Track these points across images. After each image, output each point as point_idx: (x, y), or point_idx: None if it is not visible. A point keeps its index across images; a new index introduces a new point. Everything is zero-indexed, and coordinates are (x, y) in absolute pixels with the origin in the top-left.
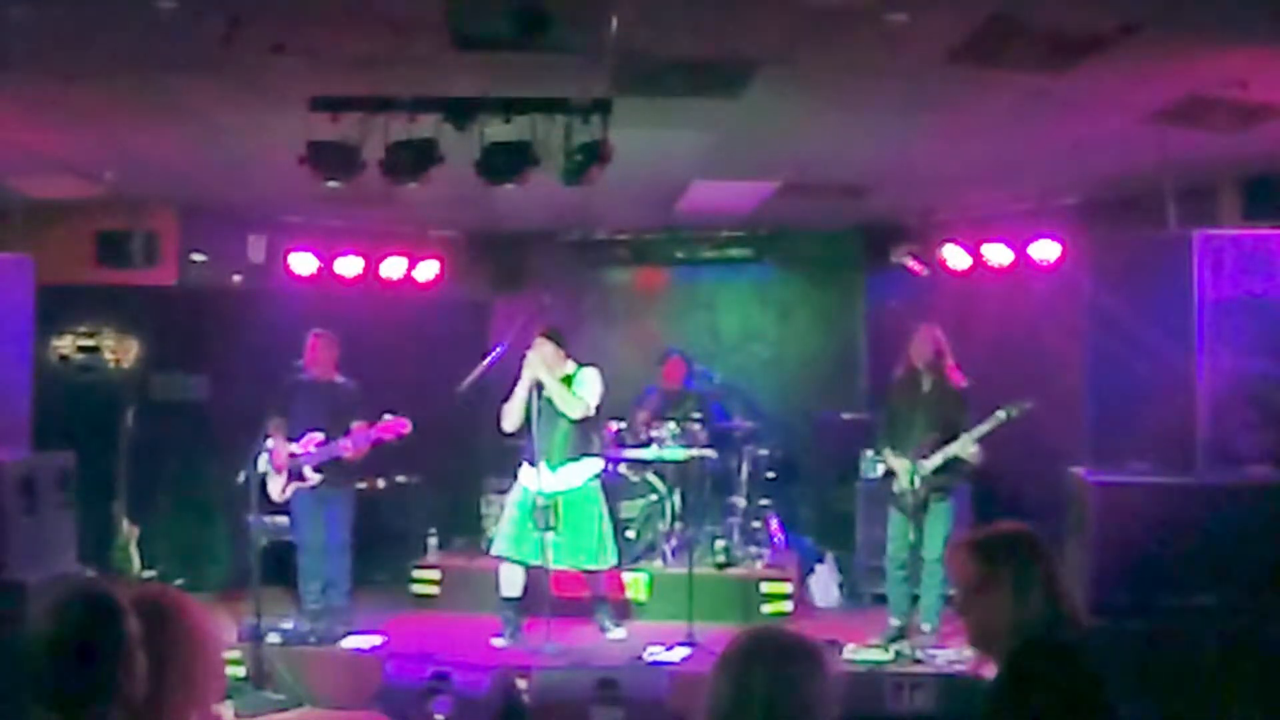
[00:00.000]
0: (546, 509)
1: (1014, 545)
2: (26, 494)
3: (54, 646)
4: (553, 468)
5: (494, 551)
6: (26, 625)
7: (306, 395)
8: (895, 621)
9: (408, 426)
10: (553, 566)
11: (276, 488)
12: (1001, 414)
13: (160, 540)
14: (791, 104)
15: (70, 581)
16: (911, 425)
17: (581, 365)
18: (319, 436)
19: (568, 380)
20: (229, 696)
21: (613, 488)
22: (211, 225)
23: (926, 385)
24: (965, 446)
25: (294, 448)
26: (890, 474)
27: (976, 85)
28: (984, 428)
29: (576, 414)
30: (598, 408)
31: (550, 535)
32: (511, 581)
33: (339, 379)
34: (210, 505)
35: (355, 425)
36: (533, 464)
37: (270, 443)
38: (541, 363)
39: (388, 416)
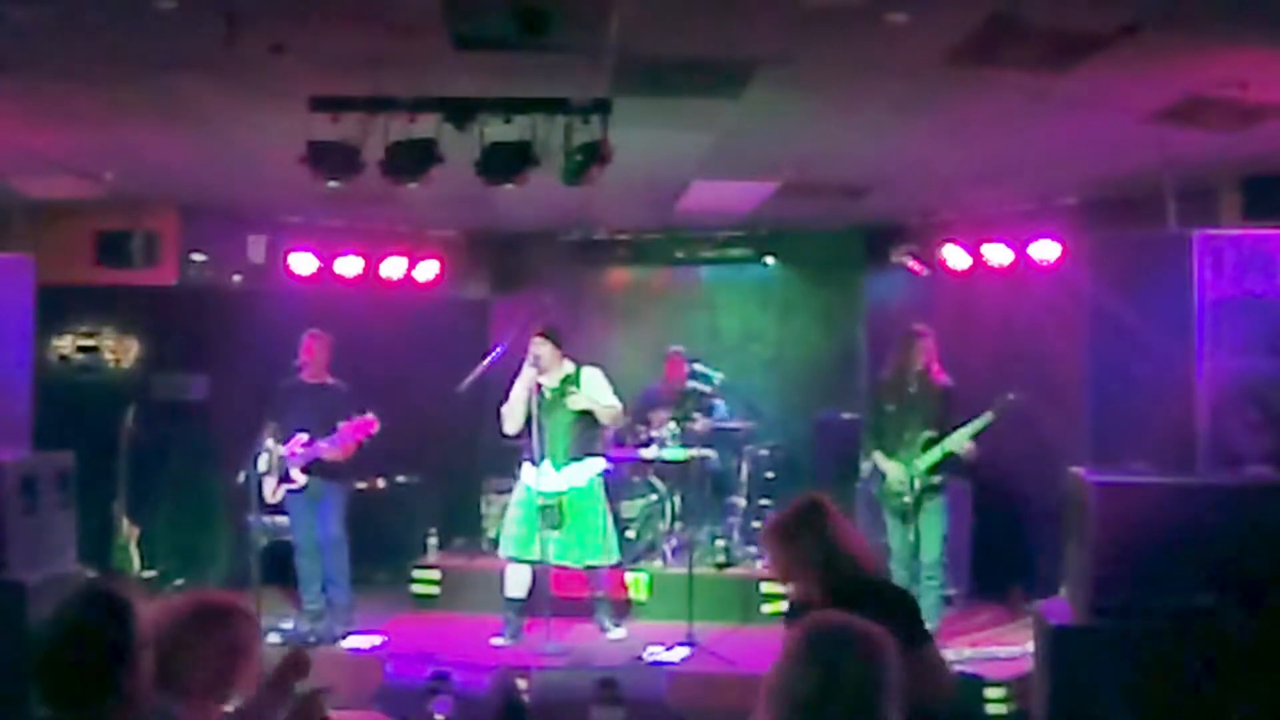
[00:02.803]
0: (553, 508)
1: (807, 517)
2: (26, 494)
3: (60, 645)
4: (557, 466)
5: (501, 553)
6: (27, 625)
7: (299, 399)
8: None
9: (375, 425)
10: (558, 563)
11: (269, 491)
12: (991, 413)
13: (160, 540)
14: (791, 104)
15: (78, 580)
16: (904, 427)
17: (580, 366)
18: (304, 438)
19: (570, 380)
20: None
21: (613, 487)
22: (211, 225)
23: (914, 386)
24: (960, 442)
25: (281, 450)
26: (879, 475)
27: (976, 85)
28: (977, 424)
29: (617, 421)
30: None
31: (556, 533)
32: (517, 582)
33: (330, 381)
34: (210, 505)
35: (342, 426)
36: (535, 463)
37: (270, 443)
38: (545, 370)
39: (354, 417)
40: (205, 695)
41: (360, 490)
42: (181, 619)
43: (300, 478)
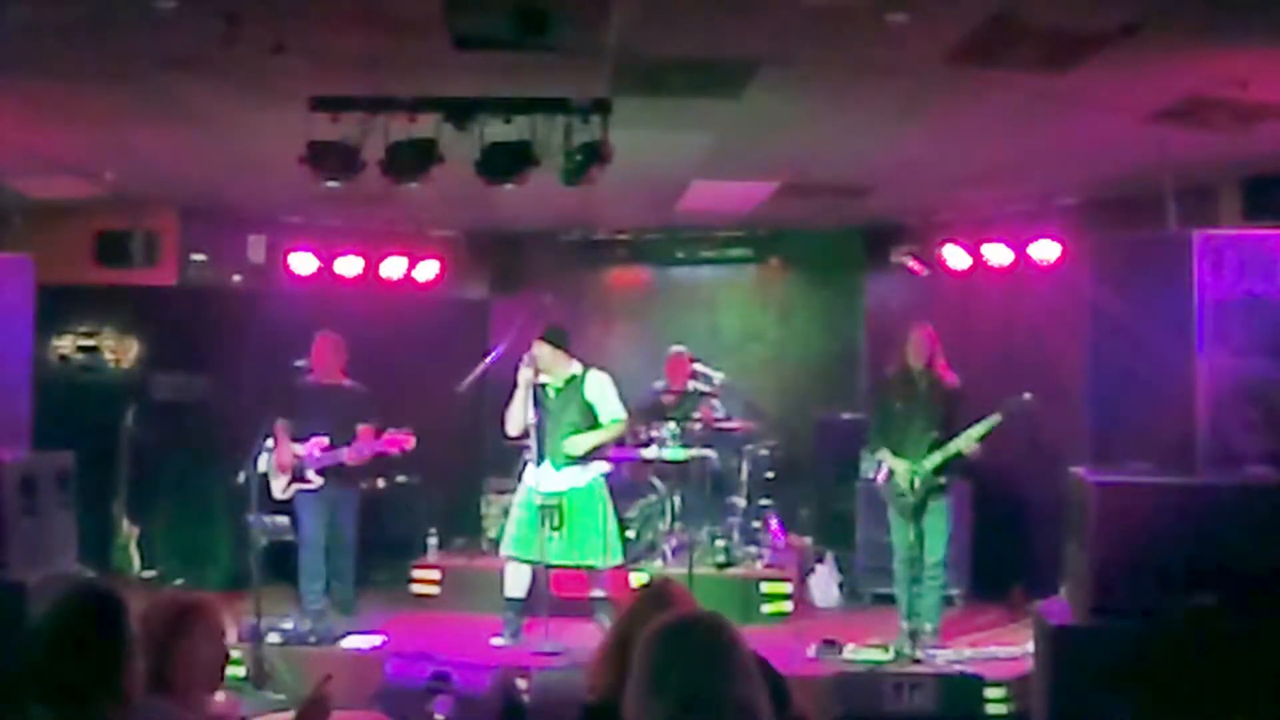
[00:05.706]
0: (553, 508)
1: None
2: (26, 494)
3: (55, 644)
4: (557, 467)
5: (501, 552)
6: (27, 625)
7: (313, 399)
8: (905, 625)
9: (412, 442)
10: (557, 563)
11: (279, 487)
12: (999, 414)
13: (160, 540)
14: (791, 104)
15: (71, 580)
16: (909, 425)
17: (587, 368)
18: (324, 440)
19: (573, 381)
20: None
21: (613, 487)
22: (211, 225)
23: (922, 385)
24: (968, 443)
25: (298, 449)
26: (888, 475)
27: (976, 85)
28: (985, 425)
29: (620, 431)
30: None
31: (557, 534)
32: (516, 582)
33: (346, 382)
34: (210, 505)
35: (361, 429)
36: (536, 464)
37: (270, 442)
38: (545, 371)
39: (391, 431)
40: (195, 689)
41: (361, 490)
42: (167, 619)
43: (315, 479)
